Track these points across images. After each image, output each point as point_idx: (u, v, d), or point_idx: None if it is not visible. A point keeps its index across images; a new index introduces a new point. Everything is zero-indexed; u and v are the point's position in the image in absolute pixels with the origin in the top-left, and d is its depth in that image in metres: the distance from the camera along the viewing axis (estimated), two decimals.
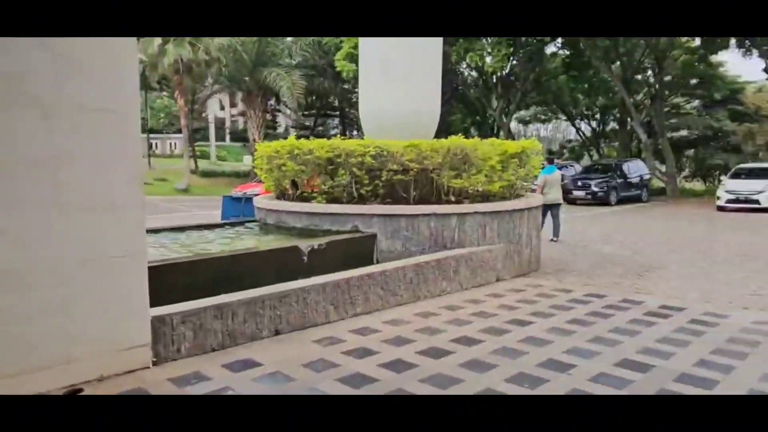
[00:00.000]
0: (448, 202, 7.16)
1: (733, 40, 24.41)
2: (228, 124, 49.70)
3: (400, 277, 5.90)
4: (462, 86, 31.49)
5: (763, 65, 24.69)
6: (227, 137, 49.06)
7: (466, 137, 7.94)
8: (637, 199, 21.66)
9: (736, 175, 18.95)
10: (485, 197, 7.48)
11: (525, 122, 44.99)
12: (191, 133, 34.40)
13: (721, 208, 17.81)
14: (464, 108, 36.30)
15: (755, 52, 24.67)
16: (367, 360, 4.24)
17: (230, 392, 3.62)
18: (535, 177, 8.55)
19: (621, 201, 20.71)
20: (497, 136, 28.41)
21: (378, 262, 6.60)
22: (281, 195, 7.96)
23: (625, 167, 22.16)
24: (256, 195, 9.62)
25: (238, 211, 10.33)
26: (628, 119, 28.70)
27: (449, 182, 7.15)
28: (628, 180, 21.68)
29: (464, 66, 29.32)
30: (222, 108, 47.91)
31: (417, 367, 4.09)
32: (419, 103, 8.31)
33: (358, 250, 6.58)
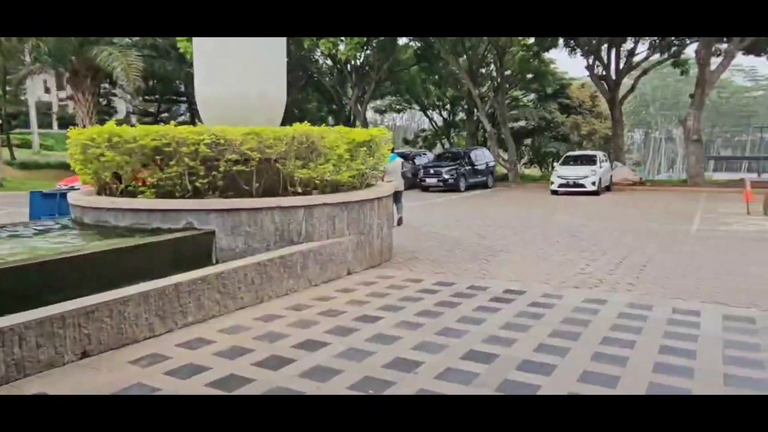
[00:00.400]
0: (296, 193, 6.72)
1: (560, 40, 26.89)
2: (55, 109, 43.99)
3: (241, 278, 5.36)
4: (317, 74, 31.06)
5: (585, 63, 27.50)
6: (54, 124, 43.42)
7: (324, 126, 7.55)
8: (483, 186, 23.01)
9: (566, 162, 20.91)
10: (335, 188, 7.16)
11: (381, 112, 45.89)
12: (4, 119, 29.85)
13: (554, 192, 19.51)
14: (320, 96, 35.94)
15: (579, 51, 27.45)
16: (194, 380, 3.68)
17: None
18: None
19: (470, 187, 21.83)
20: (353, 125, 28.49)
21: (218, 263, 5.97)
22: (102, 189, 6.92)
23: (472, 155, 23.39)
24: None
25: (52, 209, 8.90)
26: (475, 110, 30.42)
27: (295, 173, 6.71)
28: (476, 167, 22.92)
29: (319, 53, 28.91)
30: (47, 91, 42.27)
31: (252, 383, 3.63)
32: (263, 86, 7.72)
33: (193, 251, 5.88)
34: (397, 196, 11.02)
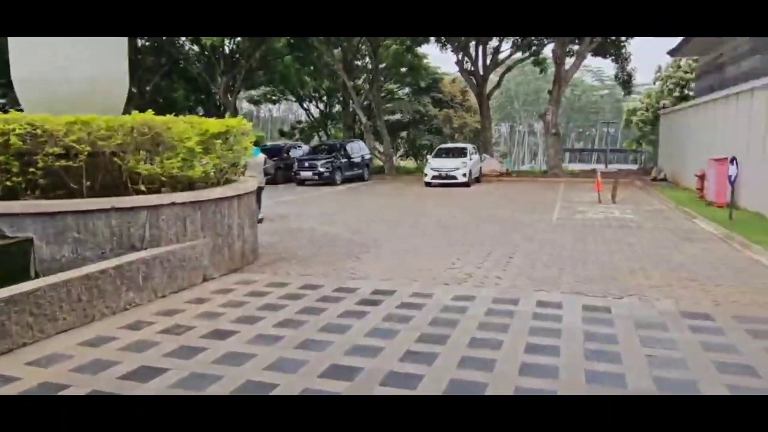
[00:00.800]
0: (139, 192, 5.87)
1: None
2: None
3: (63, 295, 4.48)
4: (183, 60, 28.93)
5: (455, 59, 28.42)
6: None
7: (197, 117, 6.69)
8: (360, 178, 22.86)
9: (438, 155, 21.36)
10: (189, 185, 6.39)
11: (256, 102, 44.16)
12: None
13: (428, 184, 19.83)
14: (187, 84, 33.62)
15: (449, 47, 28.31)
16: None
17: None
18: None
19: (346, 180, 21.55)
20: (224, 115, 26.93)
21: (38, 276, 4.99)
22: None
23: (348, 148, 23.12)
24: None
25: None
26: (351, 102, 30.19)
27: (138, 168, 5.85)
28: (352, 160, 22.70)
29: (184, 38, 26.91)
30: None
31: None
32: (99, 67, 6.68)
33: (4, 264, 4.86)
34: (258, 194, 10.45)
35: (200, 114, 28.93)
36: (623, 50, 27.65)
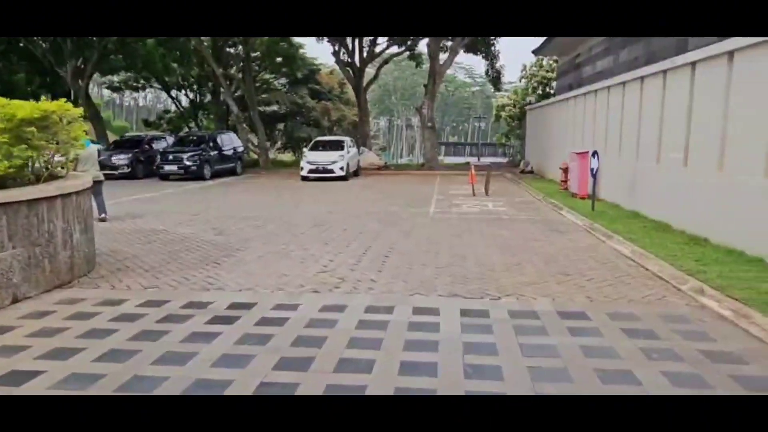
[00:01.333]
0: None
1: None
2: None
3: None
4: (24, 39, 25.28)
5: (331, 49, 27.81)
6: None
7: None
8: (232, 173, 21.48)
9: (315, 148, 20.62)
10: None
11: (116, 89, 40.18)
12: None
13: (304, 178, 19.07)
14: (30, 66, 29.58)
15: (325, 37, 27.64)
16: None
17: None
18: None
19: (216, 175, 20.10)
20: (76, 102, 23.94)
21: None
22: None
23: (219, 140, 21.59)
24: None
25: None
26: (222, 91, 28.37)
27: None
28: (223, 153, 21.25)
29: None
30: None
31: None
32: None
33: None
34: (97, 189, 9.23)
35: (49, 99, 25.51)
36: (492, 48, 28.80)
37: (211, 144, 20.82)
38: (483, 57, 29.37)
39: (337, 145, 20.37)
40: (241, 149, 22.79)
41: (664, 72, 9.72)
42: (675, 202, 8.97)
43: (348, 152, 19.94)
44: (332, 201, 13.21)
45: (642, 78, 10.77)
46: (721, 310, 4.74)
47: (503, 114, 38.22)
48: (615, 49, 14.84)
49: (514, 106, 36.54)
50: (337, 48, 27.75)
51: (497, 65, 29.50)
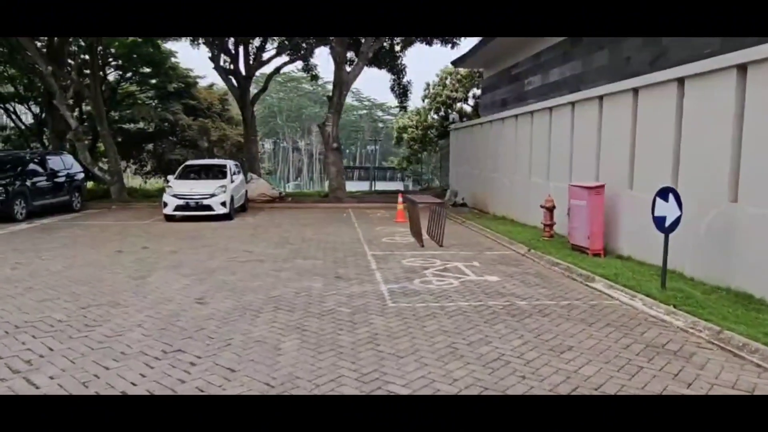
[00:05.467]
0: None
1: None
2: None
3: None
4: None
5: (209, 54, 22.61)
6: None
7: None
8: (66, 208, 15.44)
9: (185, 175, 15.15)
10: None
11: None
12: None
13: (169, 218, 13.65)
14: None
15: (201, 41, 22.42)
16: None
17: None
18: None
19: (37, 213, 14.05)
20: None
21: None
22: None
23: (49, 163, 15.50)
24: None
25: None
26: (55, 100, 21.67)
27: None
28: (55, 181, 15.21)
29: None
30: None
31: None
32: None
33: None
34: None
35: None
36: (398, 61, 25.26)
37: (32, 170, 14.70)
38: (387, 70, 25.68)
39: (218, 172, 15.21)
40: (80, 176, 16.67)
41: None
42: None
43: (232, 181, 14.81)
44: (207, 268, 8.16)
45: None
46: None
47: (405, 136, 34.81)
48: (580, 55, 11.54)
49: (417, 128, 33.33)
50: (216, 53, 22.58)
51: (404, 80, 25.93)
